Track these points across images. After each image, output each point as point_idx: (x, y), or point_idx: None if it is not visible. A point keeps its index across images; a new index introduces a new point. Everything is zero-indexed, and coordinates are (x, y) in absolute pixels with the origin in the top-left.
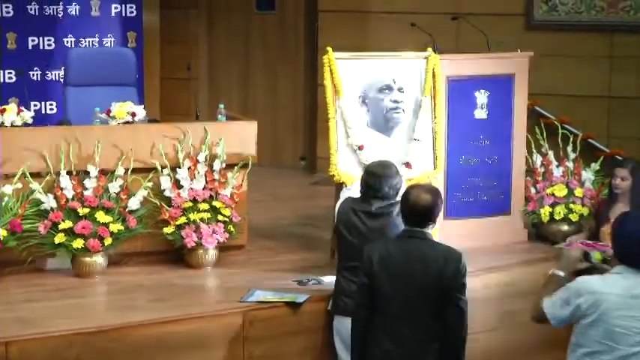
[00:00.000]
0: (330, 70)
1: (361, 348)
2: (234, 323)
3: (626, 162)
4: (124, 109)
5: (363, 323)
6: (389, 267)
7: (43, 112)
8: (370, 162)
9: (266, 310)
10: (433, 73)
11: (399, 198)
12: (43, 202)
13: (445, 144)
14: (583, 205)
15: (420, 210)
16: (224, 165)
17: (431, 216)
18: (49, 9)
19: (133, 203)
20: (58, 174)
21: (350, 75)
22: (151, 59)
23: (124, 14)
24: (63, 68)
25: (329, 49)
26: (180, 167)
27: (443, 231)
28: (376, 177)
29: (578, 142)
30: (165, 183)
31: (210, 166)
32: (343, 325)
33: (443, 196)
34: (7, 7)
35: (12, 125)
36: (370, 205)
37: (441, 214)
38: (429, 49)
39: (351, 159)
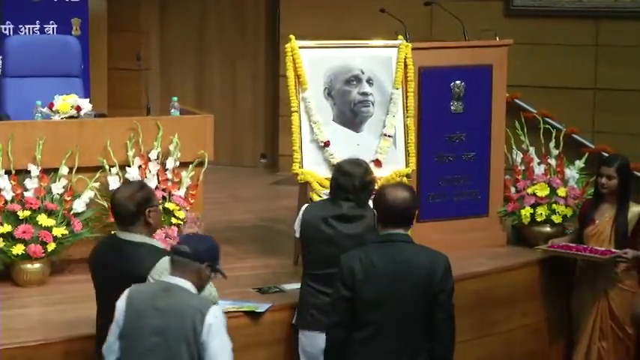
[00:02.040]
0: (293, 60)
1: None
2: None
3: (613, 159)
4: (67, 102)
5: (342, 342)
6: (373, 275)
7: None
8: (341, 160)
9: None
10: (405, 63)
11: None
12: None
13: (418, 140)
14: (567, 206)
15: (399, 210)
16: (178, 163)
17: (410, 215)
18: None
19: (79, 205)
20: None
21: (314, 65)
22: (98, 48)
23: None
24: (0, 58)
25: (291, 37)
26: (129, 166)
27: (415, 234)
28: (347, 176)
29: (561, 137)
30: (114, 183)
31: (163, 164)
32: (310, 340)
33: None
34: None
35: None
36: (341, 208)
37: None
38: (400, 38)
39: (316, 156)
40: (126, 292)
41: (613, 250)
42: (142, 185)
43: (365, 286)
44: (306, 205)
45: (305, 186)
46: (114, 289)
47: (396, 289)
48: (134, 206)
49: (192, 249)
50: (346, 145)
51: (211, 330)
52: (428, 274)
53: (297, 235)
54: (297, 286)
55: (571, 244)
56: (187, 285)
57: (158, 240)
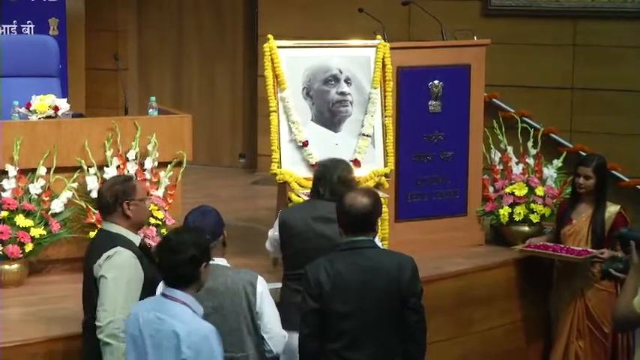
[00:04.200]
0: (272, 60)
1: None
2: None
3: (590, 159)
4: (45, 102)
5: (315, 354)
6: (341, 285)
7: None
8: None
9: None
10: (383, 62)
11: None
12: None
13: (396, 139)
14: (545, 205)
15: (353, 216)
16: (156, 163)
17: (369, 222)
18: None
19: (57, 205)
20: None
21: (293, 65)
22: (76, 48)
23: None
24: None
25: (270, 36)
26: (108, 166)
27: (393, 234)
28: (325, 170)
29: (539, 137)
30: (92, 183)
31: (141, 164)
32: (292, 341)
33: (394, 195)
34: None
35: None
36: (318, 209)
37: (392, 216)
38: (379, 37)
39: (295, 156)
40: None
41: (590, 250)
42: (126, 179)
43: (333, 297)
44: (283, 208)
45: (284, 186)
46: (85, 279)
47: (366, 297)
48: (111, 197)
49: (209, 231)
50: (325, 145)
51: (263, 298)
52: (396, 279)
53: (275, 233)
54: (276, 286)
55: (548, 244)
56: (224, 262)
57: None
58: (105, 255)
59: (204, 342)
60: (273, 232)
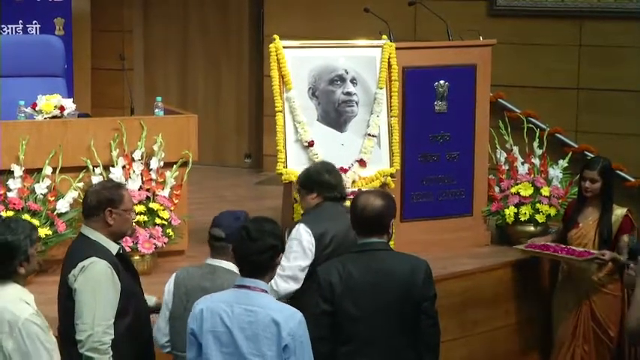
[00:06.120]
0: (277, 60)
1: None
2: None
3: (595, 162)
4: (51, 102)
5: (326, 357)
6: (353, 287)
7: None
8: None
9: None
10: (389, 63)
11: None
12: None
13: (402, 139)
14: (550, 205)
15: (366, 218)
16: (162, 163)
17: (382, 224)
18: None
19: (62, 205)
20: None
21: (299, 65)
22: (81, 48)
23: None
24: None
25: (276, 37)
26: (113, 166)
27: (399, 234)
28: (333, 173)
29: (544, 137)
30: None
31: (147, 164)
32: None
33: (399, 195)
34: None
35: None
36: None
37: (398, 215)
38: (384, 37)
39: (301, 156)
40: (173, 275)
41: (591, 251)
42: (114, 185)
43: (345, 299)
44: (302, 221)
45: (289, 186)
46: (60, 285)
47: (377, 300)
48: (95, 201)
49: (226, 232)
50: (330, 145)
51: None
52: (408, 282)
53: (307, 252)
54: None
55: (549, 244)
56: (230, 266)
57: (125, 245)
58: (80, 265)
59: (300, 326)
60: (304, 257)
